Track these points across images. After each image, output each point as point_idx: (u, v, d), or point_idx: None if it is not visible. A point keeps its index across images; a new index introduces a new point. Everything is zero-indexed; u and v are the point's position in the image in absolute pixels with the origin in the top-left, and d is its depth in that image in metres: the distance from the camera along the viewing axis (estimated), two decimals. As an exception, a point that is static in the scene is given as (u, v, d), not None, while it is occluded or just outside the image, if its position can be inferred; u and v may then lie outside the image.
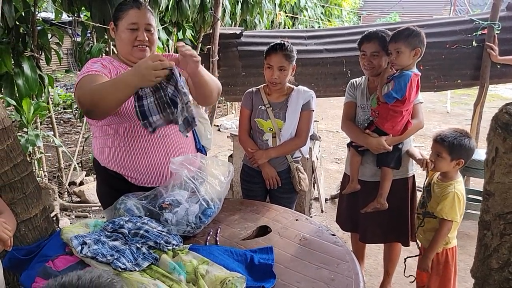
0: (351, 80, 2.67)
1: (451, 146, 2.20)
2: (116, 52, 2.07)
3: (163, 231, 1.63)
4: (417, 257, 2.44)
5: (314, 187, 3.81)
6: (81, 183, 4.49)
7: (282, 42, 2.39)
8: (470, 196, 3.98)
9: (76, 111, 9.28)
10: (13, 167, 1.52)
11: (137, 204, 1.80)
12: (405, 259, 2.53)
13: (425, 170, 2.39)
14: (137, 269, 1.40)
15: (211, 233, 1.78)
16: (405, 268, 2.53)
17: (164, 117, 1.62)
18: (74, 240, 1.50)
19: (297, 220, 1.91)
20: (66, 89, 11.52)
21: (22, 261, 1.51)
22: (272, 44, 2.41)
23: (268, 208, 2.04)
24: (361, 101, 2.53)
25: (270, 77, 2.38)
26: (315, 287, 1.41)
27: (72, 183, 4.41)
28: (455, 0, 18.43)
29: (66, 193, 4.18)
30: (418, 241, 2.45)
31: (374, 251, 3.29)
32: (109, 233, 1.58)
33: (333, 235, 1.77)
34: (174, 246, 1.56)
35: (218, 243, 1.71)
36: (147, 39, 1.87)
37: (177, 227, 1.71)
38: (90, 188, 4.18)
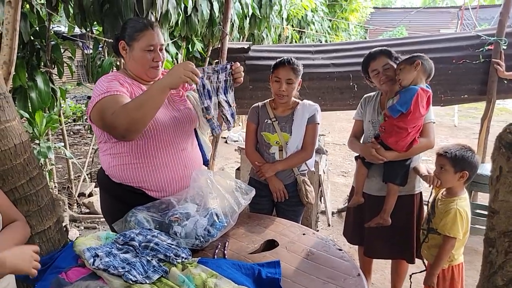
0: (365, 95, 2.69)
1: (453, 158, 2.23)
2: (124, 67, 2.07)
3: (172, 244, 1.67)
4: (423, 272, 2.44)
5: (320, 200, 3.82)
6: (90, 194, 4.54)
7: (289, 58, 2.45)
8: (478, 211, 3.98)
9: (85, 123, 9.42)
10: (29, 180, 1.57)
11: (147, 217, 1.83)
12: (410, 276, 2.53)
13: (431, 186, 2.40)
14: (148, 282, 1.43)
15: (219, 246, 1.80)
16: (410, 284, 2.53)
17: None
18: (86, 252, 1.54)
19: (304, 234, 1.93)
20: (76, 101, 11.71)
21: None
22: (279, 59, 2.46)
23: (275, 222, 2.07)
24: (372, 116, 2.55)
25: (278, 89, 2.43)
26: (322, 301, 1.43)
27: (81, 194, 4.46)
28: (462, 14, 18.51)
29: (75, 204, 4.23)
30: (423, 257, 2.45)
31: (381, 266, 3.29)
32: (120, 246, 1.61)
33: (340, 249, 1.79)
34: (183, 259, 1.59)
35: (226, 256, 1.74)
36: (162, 59, 1.92)
37: (186, 240, 1.75)
38: (99, 199, 4.22)
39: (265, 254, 1.76)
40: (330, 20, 12.22)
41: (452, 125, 9.45)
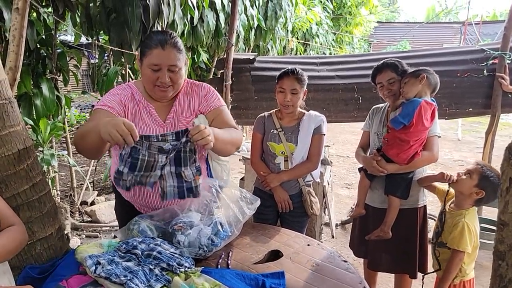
0: (374, 106, 2.68)
1: (485, 175, 2.19)
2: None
3: (175, 253, 1.64)
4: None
5: (324, 212, 3.79)
6: (93, 203, 4.53)
7: (293, 68, 2.45)
8: (482, 225, 3.92)
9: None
10: (32, 186, 1.55)
11: (150, 225, 1.81)
12: (423, 276, 2.48)
13: (446, 181, 2.33)
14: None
15: (222, 256, 1.78)
16: (422, 284, 2.46)
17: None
18: (88, 260, 1.52)
19: (308, 245, 1.90)
20: (81, 109, 11.75)
21: (36, 279, 1.52)
22: (284, 69, 2.46)
23: (280, 233, 2.04)
24: (378, 128, 2.54)
25: (283, 100, 2.42)
26: (327, 314, 1.41)
27: (83, 203, 4.45)
28: (465, 29, 18.59)
29: (77, 212, 4.21)
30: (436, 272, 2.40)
31: (386, 279, 3.25)
32: (122, 254, 1.59)
33: (345, 261, 1.76)
34: (186, 269, 1.56)
35: (229, 266, 1.71)
36: (168, 80, 1.79)
37: (189, 249, 1.72)
38: (101, 208, 4.21)
39: (269, 265, 1.73)
40: (335, 33, 12.29)
41: (456, 139, 9.43)
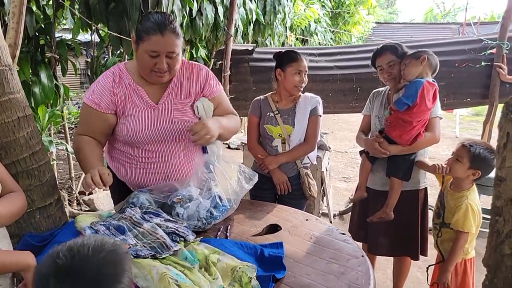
0: (374, 90, 2.69)
1: (475, 155, 2.16)
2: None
3: (176, 223, 1.65)
4: (423, 270, 2.39)
5: (322, 200, 3.80)
6: (90, 193, 4.52)
7: (294, 50, 2.47)
8: (482, 214, 3.95)
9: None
10: (31, 155, 1.56)
11: (149, 198, 1.82)
12: (427, 268, 2.47)
13: (439, 173, 2.35)
14: (150, 256, 1.40)
15: (221, 229, 1.78)
16: (427, 276, 2.46)
17: None
18: (87, 230, 1.52)
19: (307, 220, 1.91)
20: (78, 107, 11.75)
21: (36, 247, 1.53)
22: (290, 50, 2.48)
23: (278, 208, 2.05)
24: (379, 111, 2.55)
25: (299, 82, 2.43)
26: (325, 279, 1.41)
27: (81, 193, 4.44)
28: (463, 30, 18.65)
29: (75, 201, 4.21)
30: (439, 250, 2.39)
31: (383, 265, 3.25)
32: (116, 222, 1.59)
33: (343, 234, 1.77)
34: (186, 236, 1.57)
35: (228, 238, 1.72)
36: (166, 65, 1.75)
37: (188, 222, 1.73)
38: (99, 197, 4.21)
39: (268, 237, 1.73)
40: (333, 32, 12.33)
41: (454, 136, 9.46)
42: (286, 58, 2.47)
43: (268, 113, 2.54)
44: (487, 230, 1.24)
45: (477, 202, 2.24)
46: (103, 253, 0.88)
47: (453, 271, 2.27)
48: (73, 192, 4.19)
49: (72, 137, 8.46)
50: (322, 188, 3.57)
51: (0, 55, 1.44)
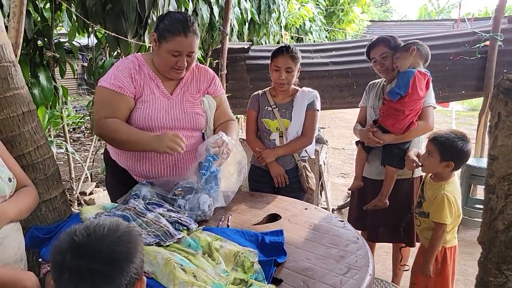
0: (370, 82, 2.74)
1: (442, 146, 2.13)
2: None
3: (178, 213, 1.68)
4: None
5: (321, 194, 3.83)
6: (91, 193, 4.55)
7: (287, 45, 2.50)
8: (477, 205, 4.00)
9: (85, 131, 9.45)
10: (36, 149, 1.60)
11: (151, 191, 1.85)
12: (399, 249, 2.54)
13: (410, 170, 2.38)
14: (154, 244, 1.44)
15: (222, 219, 1.82)
16: (401, 259, 2.52)
17: None
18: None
19: (306, 209, 1.95)
20: (76, 111, 11.74)
21: (42, 239, 1.56)
22: (278, 47, 2.51)
23: (277, 199, 2.09)
24: (374, 102, 2.60)
25: (278, 78, 2.47)
26: (325, 263, 1.45)
27: (82, 193, 4.47)
28: (457, 26, 18.73)
29: (76, 201, 4.23)
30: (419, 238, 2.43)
31: (382, 257, 3.29)
32: (120, 213, 1.62)
33: (342, 221, 1.81)
34: (189, 225, 1.60)
35: (229, 227, 1.75)
36: (186, 64, 1.88)
37: (190, 212, 1.76)
38: (100, 196, 4.24)
39: (268, 225, 1.77)
40: (327, 30, 12.39)
41: (450, 131, 9.54)
42: (272, 54, 2.51)
43: (266, 107, 2.58)
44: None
45: (456, 193, 2.20)
46: (118, 233, 0.93)
47: None
48: (74, 193, 4.22)
49: (71, 139, 8.42)
50: (321, 182, 3.60)
51: (4, 51, 1.48)
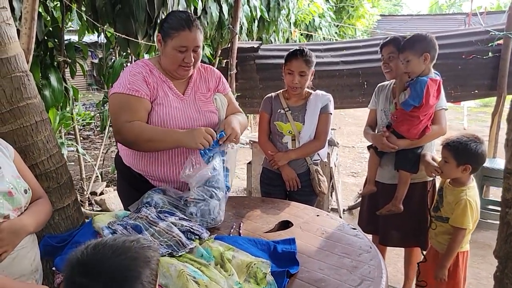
0: (379, 84, 2.70)
1: (456, 151, 2.14)
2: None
3: (190, 221, 1.69)
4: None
5: (332, 195, 3.82)
6: (102, 193, 4.58)
7: (302, 48, 2.47)
8: (490, 206, 3.95)
9: (95, 129, 9.51)
10: (49, 158, 1.61)
11: (163, 198, 1.85)
12: (418, 264, 2.50)
13: (431, 176, 2.37)
14: (167, 254, 1.44)
15: (234, 226, 1.82)
16: (419, 273, 2.48)
17: None
18: (105, 230, 1.57)
19: (318, 215, 1.94)
20: (85, 108, 11.82)
21: (56, 248, 1.57)
22: (292, 50, 2.49)
23: (289, 205, 2.08)
24: (384, 105, 2.57)
25: (291, 82, 2.44)
26: (338, 273, 1.44)
27: (93, 193, 4.50)
28: (469, 20, 18.48)
29: (87, 202, 4.27)
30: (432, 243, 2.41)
31: (393, 259, 3.27)
32: (133, 222, 1.63)
33: (354, 229, 1.79)
34: (201, 234, 1.60)
35: (241, 235, 1.75)
36: (193, 60, 1.89)
37: (202, 219, 1.76)
38: (111, 197, 4.27)
39: (280, 233, 1.77)
40: (337, 26, 12.29)
41: (462, 128, 9.42)
42: (286, 57, 2.49)
43: (279, 110, 2.56)
44: (498, 223, 1.25)
45: (476, 198, 2.22)
46: (122, 256, 0.92)
47: None
48: (85, 193, 4.25)
49: (81, 137, 8.48)
50: (331, 184, 3.59)
51: (17, 61, 1.48)
